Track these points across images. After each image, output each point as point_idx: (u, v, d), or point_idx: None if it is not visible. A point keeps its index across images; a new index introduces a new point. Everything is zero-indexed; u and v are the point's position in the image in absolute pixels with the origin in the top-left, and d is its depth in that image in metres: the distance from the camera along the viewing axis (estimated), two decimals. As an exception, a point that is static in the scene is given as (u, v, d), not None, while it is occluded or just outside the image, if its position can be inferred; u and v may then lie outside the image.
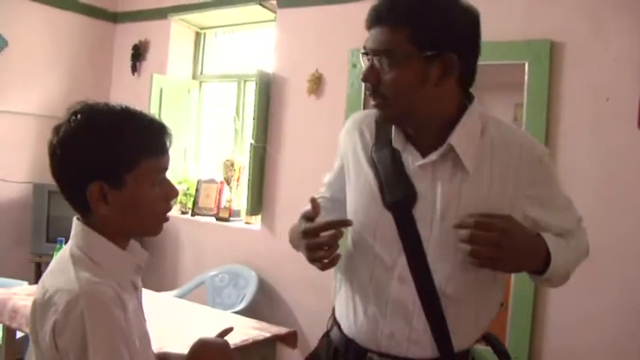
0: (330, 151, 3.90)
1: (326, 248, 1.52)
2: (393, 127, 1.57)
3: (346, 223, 1.56)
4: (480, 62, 3.27)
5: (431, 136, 1.52)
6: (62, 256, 1.36)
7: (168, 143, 1.40)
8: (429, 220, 1.50)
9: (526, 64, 3.20)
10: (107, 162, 1.31)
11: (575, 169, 3.09)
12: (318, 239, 1.53)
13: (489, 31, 3.23)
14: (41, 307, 1.27)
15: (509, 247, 1.40)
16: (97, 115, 1.34)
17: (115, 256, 1.37)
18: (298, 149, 4.19)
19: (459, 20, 1.45)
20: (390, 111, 1.52)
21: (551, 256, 1.47)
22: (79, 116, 1.32)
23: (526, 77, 3.20)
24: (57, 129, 1.34)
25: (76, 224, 1.37)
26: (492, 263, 1.42)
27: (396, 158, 1.56)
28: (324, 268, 1.54)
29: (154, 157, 1.36)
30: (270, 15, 4.52)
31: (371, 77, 1.48)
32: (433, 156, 1.51)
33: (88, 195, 1.30)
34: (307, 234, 1.56)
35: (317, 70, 4.02)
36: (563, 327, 3.10)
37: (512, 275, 3.05)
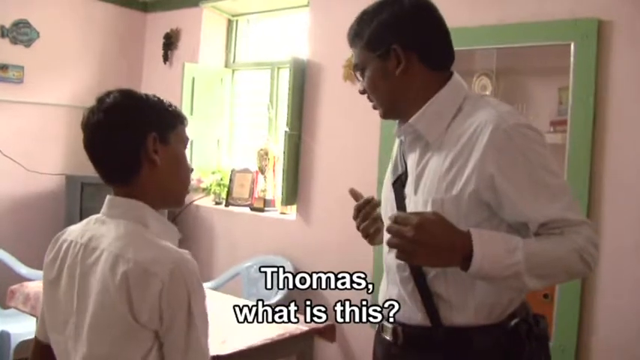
0: (366, 137, 3.85)
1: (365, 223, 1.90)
2: None
3: (371, 199, 1.90)
4: (523, 44, 3.20)
5: None
6: (127, 231, 1.48)
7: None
8: (410, 195, 1.67)
9: (572, 45, 3.06)
10: (157, 118, 1.55)
11: (625, 156, 2.98)
12: (358, 219, 1.91)
13: (532, 11, 3.18)
14: (137, 278, 1.39)
15: (422, 243, 1.42)
16: (132, 90, 1.60)
17: (167, 228, 1.58)
18: (334, 136, 4.11)
19: (396, 17, 1.65)
20: (381, 110, 1.74)
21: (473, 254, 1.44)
22: (115, 92, 1.55)
23: (572, 59, 3.06)
24: (100, 101, 1.54)
25: (124, 201, 1.53)
26: (406, 256, 1.46)
27: (400, 144, 1.80)
28: (369, 243, 1.94)
29: (183, 125, 1.62)
30: (304, 0, 4.43)
31: (362, 88, 1.76)
32: (406, 136, 1.72)
33: (149, 142, 1.50)
34: (354, 217, 1.93)
35: (352, 56, 3.91)
36: (612, 318, 2.99)
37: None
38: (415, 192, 1.64)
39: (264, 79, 4.92)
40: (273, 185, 4.60)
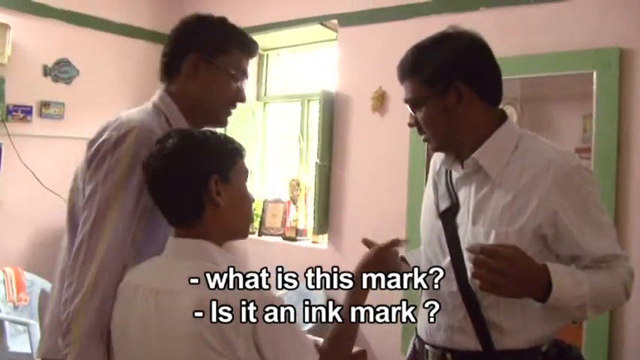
0: (396, 167, 3.91)
1: None
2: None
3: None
4: (547, 73, 3.25)
5: (470, 152, 1.71)
6: (203, 271, 1.44)
7: None
8: (465, 225, 1.70)
9: (594, 74, 3.12)
10: (217, 159, 1.54)
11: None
12: None
13: (555, 42, 3.25)
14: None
15: (510, 276, 1.46)
16: (192, 130, 1.60)
17: (229, 260, 1.55)
18: (363, 167, 4.18)
19: (458, 53, 1.68)
20: (433, 144, 1.76)
21: (552, 287, 1.50)
22: (175, 136, 1.54)
23: (595, 87, 3.12)
24: (160, 145, 1.53)
25: (190, 243, 1.52)
26: (493, 288, 1.49)
27: (447, 175, 1.83)
28: None
29: (242, 159, 1.61)
30: (332, 34, 4.54)
31: (412, 121, 1.77)
32: (465, 169, 1.73)
33: (211, 186, 1.50)
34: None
35: (380, 88, 4.01)
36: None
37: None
38: (474, 223, 1.68)
39: (295, 111, 5.02)
40: (304, 215, 4.66)
